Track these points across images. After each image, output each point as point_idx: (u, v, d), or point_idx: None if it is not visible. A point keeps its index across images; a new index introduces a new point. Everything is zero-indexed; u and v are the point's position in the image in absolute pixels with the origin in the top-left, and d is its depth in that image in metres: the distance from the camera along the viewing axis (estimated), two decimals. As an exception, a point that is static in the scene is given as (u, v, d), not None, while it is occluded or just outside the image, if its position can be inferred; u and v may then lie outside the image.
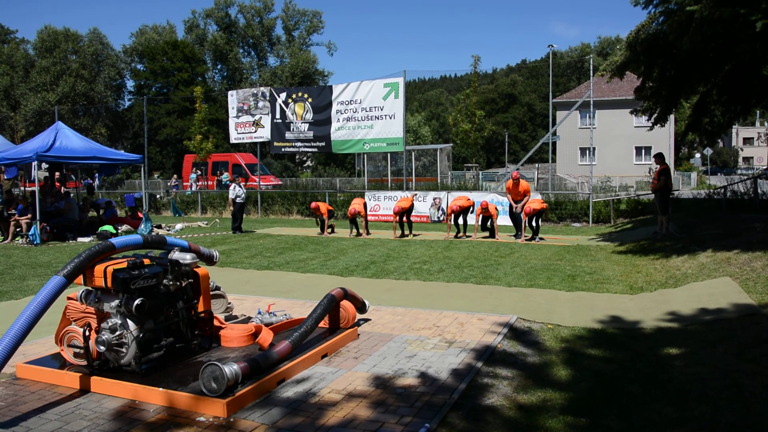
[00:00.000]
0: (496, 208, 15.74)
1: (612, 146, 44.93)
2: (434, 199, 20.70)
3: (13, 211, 16.40)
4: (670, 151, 42.11)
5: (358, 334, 6.09)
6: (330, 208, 17.78)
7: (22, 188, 20.59)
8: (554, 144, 28.86)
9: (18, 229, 16.12)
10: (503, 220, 17.42)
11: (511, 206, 15.72)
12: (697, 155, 59.39)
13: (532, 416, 4.20)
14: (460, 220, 15.88)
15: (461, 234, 15.91)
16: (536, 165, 44.19)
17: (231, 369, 4.23)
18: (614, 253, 12.41)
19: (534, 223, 15.01)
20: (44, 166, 18.25)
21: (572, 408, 4.34)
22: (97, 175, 29.39)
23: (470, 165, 33.30)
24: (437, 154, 31.49)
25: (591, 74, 20.56)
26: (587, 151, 42.55)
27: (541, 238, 15.01)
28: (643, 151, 45.48)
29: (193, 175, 33.60)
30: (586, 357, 5.57)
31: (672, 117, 30.40)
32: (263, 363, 4.63)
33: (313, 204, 17.53)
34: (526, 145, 79.25)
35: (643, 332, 6.36)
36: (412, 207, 16.59)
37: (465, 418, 4.09)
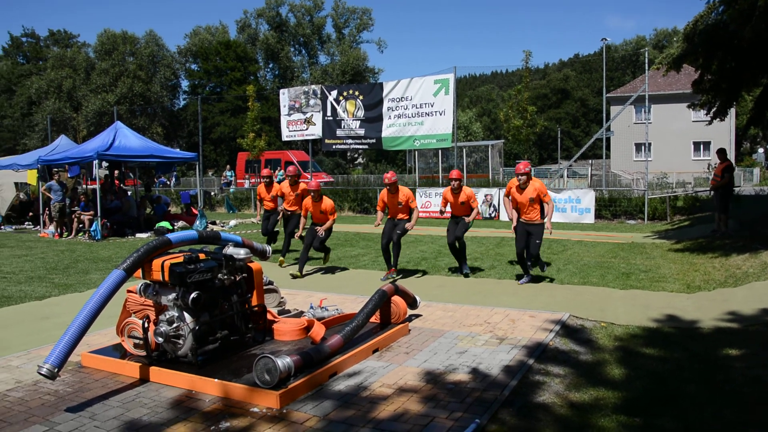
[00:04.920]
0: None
1: (668, 141, 43.61)
2: (486, 195, 20.54)
3: (76, 208, 17.06)
4: (730, 147, 40.56)
5: (409, 330, 6.12)
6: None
7: (84, 186, 21.32)
8: (608, 140, 28.21)
9: (80, 225, 16.75)
10: (557, 217, 17.09)
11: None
12: (760, 150, 57.07)
13: (585, 415, 4.15)
14: None
15: None
16: (590, 161, 43.28)
17: (284, 362, 4.31)
18: (671, 251, 12.08)
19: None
20: (104, 164, 18.88)
21: (626, 407, 4.26)
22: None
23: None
24: (488, 151, 31.18)
25: (646, 68, 20.00)
26: (642, 147, 41.45)
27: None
28: (701, 146, 44.02)
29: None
30: (641, 356, 5.45)
31: (732, 111, 29.38)
32: (315, 356, 4.71)
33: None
34: (579, 141, 77.69)
35: (701, 332, 6.19)
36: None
37: (516, 415, 4.07)
